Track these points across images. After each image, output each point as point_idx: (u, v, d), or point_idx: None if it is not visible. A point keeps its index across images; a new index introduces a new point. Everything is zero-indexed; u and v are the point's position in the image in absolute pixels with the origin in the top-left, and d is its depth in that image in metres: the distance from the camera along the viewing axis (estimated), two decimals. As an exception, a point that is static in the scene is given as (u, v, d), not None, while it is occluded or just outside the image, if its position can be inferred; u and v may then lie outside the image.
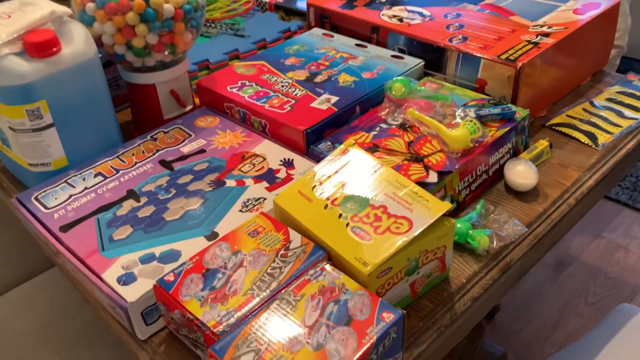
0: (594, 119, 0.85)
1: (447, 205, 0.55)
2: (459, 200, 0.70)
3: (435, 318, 0.58)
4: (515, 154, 0.77)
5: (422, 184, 0.64)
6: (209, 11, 1.10)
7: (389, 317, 0.48)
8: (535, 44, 0.82)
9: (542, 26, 0.87)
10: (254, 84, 0.83)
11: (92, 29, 0.73)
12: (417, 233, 0.53)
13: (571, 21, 0.87)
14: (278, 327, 0.48)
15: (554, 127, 0.84)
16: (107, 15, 0.72)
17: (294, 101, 0.78)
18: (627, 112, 0.86)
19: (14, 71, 0.64)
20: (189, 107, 0.86)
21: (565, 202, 0.71)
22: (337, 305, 0.49)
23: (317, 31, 0.98)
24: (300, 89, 0.81)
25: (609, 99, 0.90)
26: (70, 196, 0.67)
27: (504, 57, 0.79)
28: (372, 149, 0.71)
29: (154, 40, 0.74)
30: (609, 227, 1.67)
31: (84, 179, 0.70)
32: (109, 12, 0.71)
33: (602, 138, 0.81)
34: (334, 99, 0.78)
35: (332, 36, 0.97)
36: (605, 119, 0.85)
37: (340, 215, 0.57)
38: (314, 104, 0.77)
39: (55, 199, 0.67)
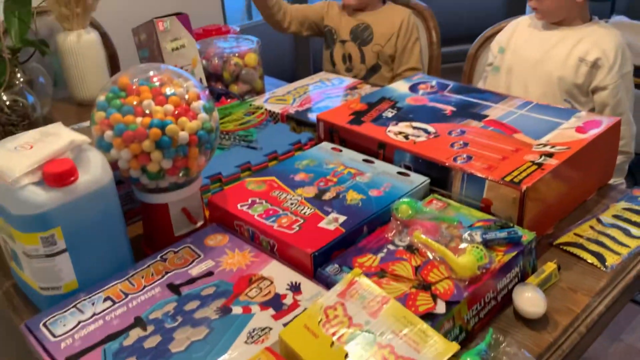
0: (602, 238, 0.85)
1: (454, 347, 0.55)
2: (468, 330, 0.69)
3: None
4: (523, 277, 0.77)
5: (430, 314, 0.64)
6: (223, 123, 1.14)
7: None
8: (539, 164, 0.84)
9: (545, 145, 0.89)
10: (264, 202, 0.85)
11: (109, 154, 0.77)
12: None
13: (574, 140, 0.90)
14: None
15: (561, 247, 0.84)
16: (124, 143, 0.75)
17: (302, 220, 0.80)
18: (634, 231, 0.86)
19: (31, 201, 0.67)
20: (200, 223, 0.88)
21: (576, 330, 0.71)
22: None
23: (327, 145, 1.02)
24: (309, 207, 0.83)
25: (615, 216, 0.90)
26: (79, 322, 0.67)
27: (508, 179, 0.81)
28: (379, 274, 0.71)
29: (168, 165, 0.77)
30: (628, 328, 1.63)
31: (93, 304, 0.70)
32: (126, 140, 0.74)
33: (611, 259, 0.81)
34: (342, 218, 0.80)
35: (341, 150, 0.99)
36: (612, 238, 0.85)
37: (346, 356, 0.56)
38: (321, 224, 0.79)
39: (64, 325, 0.67)
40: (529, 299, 0.71)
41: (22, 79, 1.33)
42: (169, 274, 0.75)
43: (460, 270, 0.70)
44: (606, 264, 0.80)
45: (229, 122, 1.14)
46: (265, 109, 1.19)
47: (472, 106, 1.06)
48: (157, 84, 0.80)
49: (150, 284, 0.73)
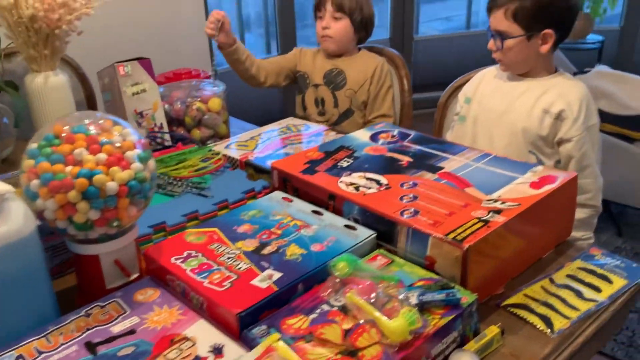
0: (552, 300, 0.81)
1: None
2: (398, 401, 0.65)
3: None
4: (463, 342, 0.73)
5: (352, 385, 0.60)
6: (177, 169, 1.12)
7: None
8: (486, 222, 0.81)
9: (495, 201, 0.86)
10: (200, 255, 0.82)
11: (35, 204, 0.74)
12: None
13: (526, 196, 0.87)
14: None
15: (509, 309, 0.81)
16: (50, 193, 0.72)
17: (235, 277, 0.76)
18: (587, 293, 0.83)
19: (-61, 253, 0.64)
20: (134, 276, 0.84)
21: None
22: None
23: (278, 195, 0.99)
24: (245, 262, 0.79)
25: (569, 276, 0.87)
26: (-18, 384, 0.64)
27: (451, 236, 0.78)
28: (306, 337, 0.67)
29: (96, 216, 0.74)
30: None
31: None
32: (52, 190, 0.72)
33: (559, 323, 0.77)
34: (277, 275, 0.76)
35: (291, 201, 0.97)
36: (563, 300, 0.81)
37: None
38: (254, 281, 0.75)
39: (-34, 387, 0.63)
40: (465, 367, 0.67)
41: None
42: (90, 331, 0.71)
43: (391, 334, 0.66)
44: (554, 328, 0.76)
45: (183, 169, 1.12)
46: (223, 155, 1.17)
47: (429, 157, 1.04)
48: (94, 131, 0.78)
49: (68, 342, 0.70)
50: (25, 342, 0.69)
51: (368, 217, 0.88)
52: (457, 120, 1.39)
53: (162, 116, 1.27)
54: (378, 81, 1.58)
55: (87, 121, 0.79)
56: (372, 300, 0.71)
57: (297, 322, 0.70)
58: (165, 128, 1.28)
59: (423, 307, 0.71)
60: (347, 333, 0.68)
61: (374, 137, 1.15)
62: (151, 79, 1.26)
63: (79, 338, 0.70)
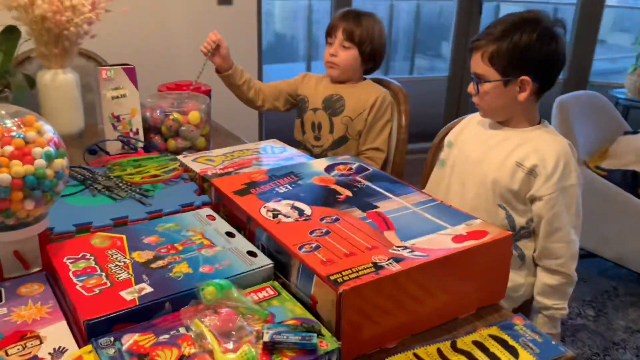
0: (440, 364, 0.74)
1: None
2: None
3: None
4: (317, 391, 0.68)
5: (154, 413, 0.57)
6: (132, 175, 1.13)
7: None
8: (379, 267, 0.75)
9: (405, 248, 0.81)
10: (92, 259, 0.82)
11: None
12: None
13: (441, 248, 0.81)
14: None
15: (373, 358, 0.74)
16: (-55, 176, 0.75)
17: (109, 284, 0.76)
18: (484, 362, 0.75)
19: None
20: (34, 269, 0.86)
21: None
22: None
23: (204, 212, 0.98)
24: (128, 273, 0.79)
25: (475, 342, 0.79)
26: None
27: (334, 277, 0.73)
28: (140, 356, 0.65)
29: (-14, 204, 0.76)
30: None
31: None
32: (-53, 173, 0.75)
33: (435, 390, 0.70)
34: (148, 290, 0.75)
35: (214, 219, 0.95)
36: (451, 365, 0.74)
37: None
38: (122, 292, 0.74)
39: None
40: (295, 418, 0.62)
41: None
42: (-46, 315, 0.73)
43: (221, 368, 0.62)
44: (426, 395, 0.70)
45: (137, 174, 1.14)
46: (180, 166, 1.17)
47: (370, 195, 0.99)
48: (10, 124, 0.81)
49: None
50: None
51: (272, 246, 0.85)
52: (438, 164, 1.33)
53: (139, 122, 1.31)
54: (377, 113, 1.55)
55: (9, 115, 0.82)
56: (228, 331, 0.68)
57: (144, 340, 0.68)
58: (141, 134, 1.31)
59: (274, 347, 0.67)
60: (182, 358, 0.65)
61: (329, 168, 1.12)
62: (133, 85, 1.29)
63: (-59, 320, 0.72)
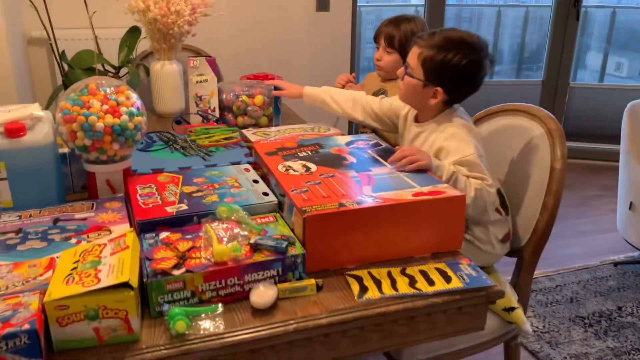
0: (384, 280, 0.98)
1: (125, 278, 0.80)
2: (202, 298, 0.91)
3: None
4: (284, 282, 0.95)
5: (165, 273, 0.89)
6: (202, 138, 1.48)
7: (24, 326, 0.74)
8: (342, 206, 1.01)
9: (371, 197, 1.06)
10: (154, 187, 1.16)
11: (58, 128, 1.16)
12: (89, 289, 0.79)
13: (396, 199, 1.04)
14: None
15: (347, 275, 1.00)
16: (65, 122, 1.13)
17: (160, 203, 1.09)
18: (420, 283, 0.98)
19: (-10, 141, 1.08)
20: (119, 194, 1.22)
21: (284, 325, 0.88)
22: (12, 312, 0.77)
23: (243, 167, 1.29)
24: (175, 198, 1.12)
25: (421, 270, 1.02)
26: (-8, 222, 1.06)
27: (305, 208, 1.00)
28: (167, 244, 0.97)
29: (89, 143, 1.13)
30: None
31: (9, 216, 1.08)
32: (66, 121, 1.13)
33: (371, 294, 0.95)
34: (184, 208, 1.07)
35: (249, 171, 1.26)
36: (393, 282, 0.98)
37: (74, 268, 0.85)
38: (167, 208, 1.07)
39: (-17, 221, 1.06)
40: (259, 291, 0.91)
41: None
42: (62, 213, 1.10)
43: (215, 253, 0.92)
44: (363, 295, 0.94)
45: (205, 138, 1.48)
46: (240, 137, 1.50)
47: (370, 162, 1.24)
48: (109, 91, 1.18)
49: (48, 215, 1.09)
50: (29, 210, 1.11)
51: (277, 189, 1.14)
52: None
53: (216, 102, 1.66)
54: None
55: (109, 85, 1.19)
56: (228, 234, 0.98)
57: (173, 236, 1.00)
58: (217, 111, 1.66)
59: (257, 247, 0.96)
60: (190, 249, 0.96)
61: (350, 142, 1.38)
62: (213, 73, 1.65)
63: (55, 215, 1.09)
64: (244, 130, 1.58)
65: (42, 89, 2.80)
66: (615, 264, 2.54)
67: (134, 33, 1.95)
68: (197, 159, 1.39)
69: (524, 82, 4.16)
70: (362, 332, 0.94)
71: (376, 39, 1.84)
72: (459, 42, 1.33)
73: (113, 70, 1.91)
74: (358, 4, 3.24)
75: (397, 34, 1.76)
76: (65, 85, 1.73)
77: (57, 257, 0.93)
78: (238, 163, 1.36)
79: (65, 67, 1.79)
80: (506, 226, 1.46)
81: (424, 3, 3.47)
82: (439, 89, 1.36)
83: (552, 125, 1.41)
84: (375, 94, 1.88)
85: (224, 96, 1.68)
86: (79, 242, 1.00)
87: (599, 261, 2.57)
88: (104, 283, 0.80)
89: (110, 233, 1.03)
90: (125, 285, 0.81)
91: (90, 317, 0.80)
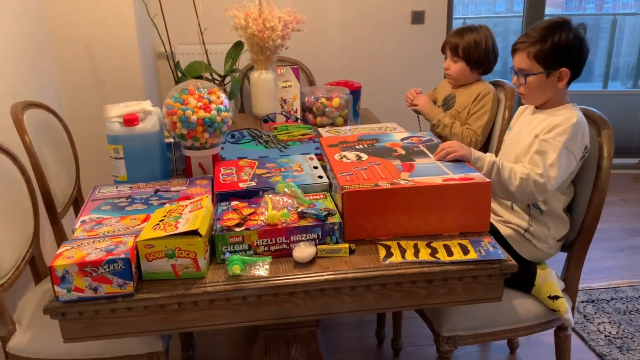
0: (409, 249, 1.16)
1: (195, 227, 1.05)
2: (256, 251, 1.14)
3: (179, 291, 1.06)
4: (323, 244, 1.16)
5: (229, 229, 1.13)
6: (282, 134, 1.73)
7: (121, 255, 1.02)
8: (377, 186, 1.20)
9: (406, 181, 1.23)
10: (234, 169, 1.43)
11: (164, 120, 1.46)
12: (169, 234, 1.05)
13: (427, 184, 1.21)
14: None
15: (379, 244, 1.18)
16: (168, 115, 1.43)
17: (235, 179, 1.35)
18: (440, 253, 1.14)
19: (112, 129, 1.41)
20: (209, 175, 1.50)
21: (316, 276, 1.08)
22: (115, 247, 1.05)
23: (308, 156, 1.52)
24: (248, 177, 1.37)
25: (444, 245, 1.18)
26: (111, 191, 1.38)
27: (345, 186, 1.20)
28: (235, 210, 1.22)
29: (185, 132, 1.43)
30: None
31: (123, 187, 1.40)
32: (169, 114, 1.43)
33: (394, 258, 1.12)
34: (253, 184, 1.32)
35: (312, 159, 1.49)
36: (416, 251, 1.15)
37: (161, 220, 1.12)
38: (240, 184, 1.33)
39: (105, 190, 1.39)
40: (300, 248, 1.12)
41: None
42: (163, 186, 1.40)
43: (268, 217, 1.16)
44: (387, 259, 1.12)
45: (285, 134, 1.74)
46: (313, 133, 1.73)
47: (418, 154, 1.41)
48: (204, 92, 1.47)
49: (152, 187, 1.39)
50: (138, 183, 1.42)
51: (330, 174, 1.35)
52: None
53: (298, 104, 1.91)
54: (477, 103, 1.89)
55: (203, 87, 1.48)
56: (281, 205, 1.21)
57: (241, 204, 1.25)
58: (299, 112, 1.91)
59: (303, 215, 1.18)
60: (251, 213, 1.20)
61: (405, 138, 1.56)
62: (296, 79, 1.90)
63: (157, 187, 1.39)
64: (319, 128, 1.81)
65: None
66: None
67: (237, 47, 2.27)
68: (275, 150, 1.65)
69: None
70: (385, 290, 1.12)
71: (443, 49, 1.99)
72: (554, 25, 1.46)
73: (219, 79, 2.24)
74: (454, 17, 3.37)
75: (461, 43, 1.90)
76: (178, 89, 2.07)
77: (152, 214, 1.22)
78: (307, 154, 1.59)
79: (179, 75, 2.15)
80: (566, 227, 1.55)
81: (521, 14, 3.51)
82: (563, 69, 1.45)
83: (602, 125, 1.49)
84: (446, 98, 2.03)
85: (306, 99, 1.92)
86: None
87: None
88: (180, 229, 1.06)
89: (199, 200, 1.30)
90: (196, 233, 1.06)
91: (168, 255, 1.07)
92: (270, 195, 1.24)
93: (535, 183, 1.39)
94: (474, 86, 1.95)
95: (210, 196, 1.31)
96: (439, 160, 1.36)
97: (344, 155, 1.42)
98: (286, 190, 1.26)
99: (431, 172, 1.28)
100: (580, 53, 1.45)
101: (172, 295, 1.06)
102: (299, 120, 1.87)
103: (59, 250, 1.05)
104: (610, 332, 2.09)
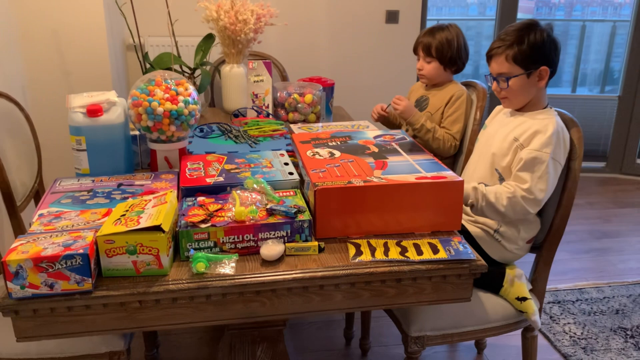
0: (379, 247, 1.14)
1: (157, 222, 1.01)
2: (223, 248, 1.11)
3: (140, 289, 1.01)
4: (291, 242, 1.13)
5: (194, 225, 1.10)
6: (252, 129, 1.70)
7: (79, 250, 0.97)
8: (350, 183, 1.18)
9: (378, 179, 1.21)
10: (201, 164, 1.39)
11: (128, 111, 1.41)
12: (129, 229, 1.01)
13: (398, 181, 1.19)
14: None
15: (348, 242, 1.16)
16: (133, 106, 1.38)
17: (203, 174, 1.31)
18: (410, 252, 1.12)
19: (75, 119, 1.35)
20: (175, 169, 1.46)
21: (283, 274, 1.06)
22: (73, 242, 1.00)
23: (280, 152, 1.49)
24: (217, 172, 1.33)
25: (414, 243, 1.16)
26: (72, 184, 1.32)
27: (317, 183, 1.18)
28: (201, 206, 1.18)
29: (151, 124, 1.38)
30: None
31: (85, 180, 1.35)
32: (134, 105, 1.38)
33: (363, 257, 1.10)
34: (220, 179, 1.28)
35: (283, 155, 1.46)
36: (386, 250, 1.13)
37: (123, 215, 1.08)
38: (208, 179, 1.29)
39: (66, 183, 1.33)
40: (268, 246, 1.09)
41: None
42: (126, 180, 1.35)
43: (236, 214, 1.12)
44: (356, 257, 1.10)
45: (256, 130, 1.70)
46: (284, 129, 1.70)
47: (390, 152, 1.39)
48: (171, 83, 1.42)
49: (115, 181, 1.34)
50: (100, 176, 1.37)
51: (302, 170, 1.33)
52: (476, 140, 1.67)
53: (270, 99, 1.87)
54: (451, 105, 1.88)
55: (171, 78, 1.44)
56: (250, 201, 1.17)
57: (207, 200, 1.21)
58: (271, 107, 1.88)
59: (272, 212, 1.15)
60: (217, 210, 1.16)
61: (378, 136, 1.54)
62: (268, 74, 1.87)
63: (120, 181, 1.34)
64: (291, 125, 1.78)
65: (136, 89, 3.18)
66: (674, 282, 2.48)
67: (208, 39, 2.22)
68: (246, 146, 1.61)
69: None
70: (354, 289, 1.09)
71: (415, 50, 1.98)
72: (526, 27, 1.47)
73: (189, 71, 2.19)
74: (427, 17, 3.38)
75: (433, 43, 1.89)
76: (146, 81, 2.02)
77: (113, 209, 1.17)
78: (278, 150, 1.56)
79: (147, 66, 2.09)
80: (536, 229, 1.55)
81: (495, 17, 3.54)
82: (542, 67, 1.46)
83: (572, 126, 1.49)
84: (419, 100, 2.02)
85: (278, 94, 1.89)
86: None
87: (655, 278, 2.52)
88: (142, 225, 1.02)
89: (163, 195, 1.26)
90: (159, 228, 1.02)
91: (130, 251, 1.02)
92: (238, 191, 1.20)
93: (524, 198, 1.40)
94: (446, 88, 1.95)
95: (175, 191, 1.27)
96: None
97: (317, 152, 1.39)
98: (255, 186, 1.23)
99: (404, 170, 1.27)
100: (555, 50, 1.46)
101: (132, 293, 1.02)
102: (270, 116, 1.84)
103: (13, 245, 1.00)
104: (575, 333, 2.11)
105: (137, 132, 1.52)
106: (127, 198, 1.24)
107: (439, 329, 1.44)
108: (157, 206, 1.10)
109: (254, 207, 1.14)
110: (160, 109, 1.36)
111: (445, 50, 1.88)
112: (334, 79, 2.13)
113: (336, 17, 3.17)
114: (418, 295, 1.13)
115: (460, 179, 1.21)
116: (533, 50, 1.43)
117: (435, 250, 1.14)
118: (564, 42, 4.36)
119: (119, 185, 1.32)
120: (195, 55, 2.21)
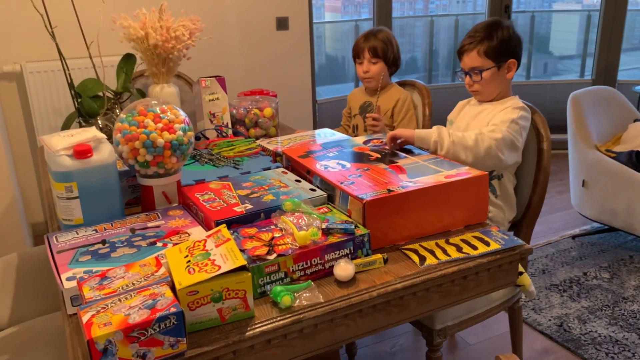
0: (436, 249, 1.16)
1: (242, 262, 0.93)
2: (293, 277, 1.05)
3: (234, 338, 0.92)
4: (355, 258, 1.10)
5: (260, 257, 1.02)
6: (226, 151, 1.61)
7: (171, 309, 0.85)
8: (391, 191, 1.18)
9: (410, 182, 1.23)
10: (212, 194, 1.28)
11: (117, 148, 1.26)
12: (214, 274, 0.91)
13: (435, 182, 1.22)
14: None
15: (403, 250, 1.16)
16: (125, 142, 1.23)
17: (225, 205, 1.22)
18: (465, 248, 1.16)
19: (63, 164, 1.17)
20: (174, 204, 1.33)
21: (368, 292, 1.03)
22: (152, 301, 0.88)
23: (279, 170, 1.43)
24: (236, 200, 1.24)
25: (462, 239, 1.20)
26: (73, 238, 1.15)
27: (360, 195, 1.16)
28: (251, 236, 1.10)
29: (150, 159, 1.24)
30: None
31: (85, 231, 1.17)
32: (127, 140, 1.23)
33: (429, 261, 1.12)
34: (250, 206, 1.20)
35: (287, 173, 1.40)
36: (444, 250, 1.15)
37: (189, 261, 0.96)
38: (235, 208, 1.20)
39: (64, 237, 1.15)
40: (341, 266, 1.05)
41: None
42: (135, 224, 1.20)
43: (298, 239, 1.06)
44: (424, 262, 1.11)
45: (230, 151, 1.61)
46: (259, 146, 1.64)
47: (393, 156, 1.42)
48: (158, 111, 1.29)
49: (121, 227, 1.19)
50: (100, 224, 1.20)
51: (323, 185, 1.29)
52: None
53: (228, 117, 1.79)
54: (400, 111, 1.97)
55: (156, 105, 1.31)
56: (299, 224, 1.12)
57: (250, 229, 1.13)
58: (229, 125, 1.79)
59: (329, 232, 1.11)
60: (272, 238, 1.09)
61: (366, 142, 1.55)
62: (223, 91, 1.78)
63: (128, 226, 1.19)
64: (258, 141, 1.71)
65: (15, 119, 2.82)
66: (573, 237, 2.84)
67: (129, 60, 2.04)
68: (229, 168, 1.52)
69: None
70: (427, 293, 1.10)
71: (358, 54, 2.02)
72: (493, 25, 1.61)
73: (112, 96, 1.99)
74: (314, 22, 3.44)
75: (377, 44, 1.96)
76: (79, 111, 1.80)
77: (160, 256, 1.04)
78: (268, 168, 1.50)
79: (79, 100, 1.86)
80: (515, 209, 1.68)
81: (371, 17, 3.72)
82: (510, 60, 1.60)
83: (534, 111, 1.64)
84: (362, 106, 2.06)
85: (235, 111, 1.81)
86: (165, 245, 1.11)
87: (559, 236, 2.86)
88: (225, 268, 0.92)
89: (189, 235, 1.15)
90: (242, 268, 0.94)
91: (215, 299, 0.92)
92: (286, 216, 1.14)
93: (490, 133, 1.51)
94: (389, 91, 2.02)
95: (203, 228, 1.16)
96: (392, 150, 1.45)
97: (327, 165, 1.37)
98: (294, 208, 1.18)
99: (425, 171, 1.30)
100: (520, 44, 1.61)
101: (227, 344, 0.92)
102: (232, 135, 1.74)
103: (84, 319, 0.84)
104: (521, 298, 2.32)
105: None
106: (155, 243, 1.11)
107: (458, 317, 1.50)
108: (222, 245, 1.00)
109: (315, 229, 1.09)
110: (160, 140, 1.24)
111: (389, 51, 1.95)
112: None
113: (231, 26, 3.10)
114: (477, 287, 1.17)
115: (485, 172, 1.28)
116: (502, 45, 1.56)
117: (485, 242, 1.19)
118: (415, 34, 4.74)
119: (133, 230, 1.17)
120: (118, 78, 2.02)
